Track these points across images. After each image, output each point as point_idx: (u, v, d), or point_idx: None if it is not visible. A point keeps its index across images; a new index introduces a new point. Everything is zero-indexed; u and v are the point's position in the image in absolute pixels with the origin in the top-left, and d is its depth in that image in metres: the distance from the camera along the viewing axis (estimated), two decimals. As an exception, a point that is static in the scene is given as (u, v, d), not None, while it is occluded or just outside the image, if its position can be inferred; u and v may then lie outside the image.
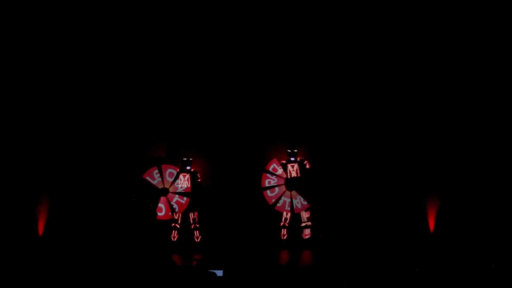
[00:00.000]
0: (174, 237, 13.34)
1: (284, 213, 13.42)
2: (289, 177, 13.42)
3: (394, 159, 13.42)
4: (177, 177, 13.33)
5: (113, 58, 13.41)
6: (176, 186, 13.31)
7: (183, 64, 13.63)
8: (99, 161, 13.34)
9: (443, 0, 13.23)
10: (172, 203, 13.26)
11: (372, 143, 13.52)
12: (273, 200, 13.40)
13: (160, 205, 13.27)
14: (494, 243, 12.35)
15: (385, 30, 13.45)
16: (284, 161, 13.50)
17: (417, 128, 13.41)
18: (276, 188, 13.42)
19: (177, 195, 13.29)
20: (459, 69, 13.35)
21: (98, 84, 13.43)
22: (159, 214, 13.23)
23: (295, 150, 13.43)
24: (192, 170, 13.38)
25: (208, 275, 8.73)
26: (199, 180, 13.41)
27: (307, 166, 13.48)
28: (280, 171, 13.42)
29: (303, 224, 13.43)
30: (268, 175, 13.42)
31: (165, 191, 13.29)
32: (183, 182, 13.29)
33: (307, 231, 13.43)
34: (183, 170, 13.32)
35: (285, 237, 13.41)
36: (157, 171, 13.30)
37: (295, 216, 13.44)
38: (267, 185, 13.41)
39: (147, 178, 13.27)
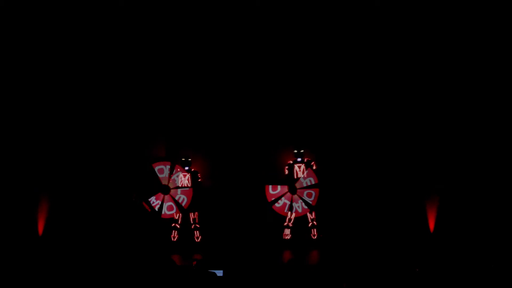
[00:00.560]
0: (174, 237, 13.33)
1: (288, 214, 13.40)
2: (295, 177, 13.40)
3: (395, 159, 13.41)
4: (177, 175, 13.34)
5: (115, 58, 13.40)
6: (177, 185, 13.30)
7: (186, 66, 13.62)
8: (99, 161, 13.32)
9: (443, 0, 13.23)
10: (176, 199, 13.25)
11: (372, 144, 13.51)
12: (273, 199, 13.37)
13: (168, 203, 13.24)
14: (494, 243, 12.35)
15: (385, 30, 13.44)
16: (291, 162, 13.48)
17: (417, 129, 13.41)
18: (279, 187, 13.41)
19: (179, 192, 13.28)
20: (459, 69, 13.34)
21: (98, 84, 13.42)
22: (166, 212, 13.20)
23: (302, 151, 13.41)
24: (192, 170, 13.38)
25: (208, 275, 8.73)
26: (199, 180, 13.40)
27: (314, 167, 13.45)
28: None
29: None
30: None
31: (167, 189, 13.28)
32: (184, 182, 13.30)
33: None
34: (183, 170, 13.32)
35: (287, 237, 13.39)
36: (168, 167, 13.28)
37: (299, 217, 13.44)
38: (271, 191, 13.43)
39: (156, 169, 13.27)
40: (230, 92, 13.64)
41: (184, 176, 13.32)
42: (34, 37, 13.17)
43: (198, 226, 13.37)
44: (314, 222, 13.42)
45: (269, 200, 13.39)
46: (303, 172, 13.38)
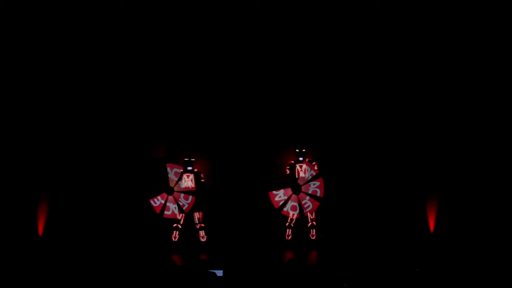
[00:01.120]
0: (175, 237, 13.33)
1: (291, 214, 13.40)
2: (297, 177, 13.40)
3: (395, 159, 13.42)
4: (180, 177, 13.32)
5: (116, 58, 13.41)
6: (181, 186, 13.30)
7: (187, 66, 13.62)
8: (99, 161, 13.33)
9: (443, 0, 13.24)
10: (179, 202, 13.26)
11: (372, 144, 13.51)
12: (280, 204, 13.35)
13: (168, 204, 13.24)
14: (494, 243, 12.35)
15: (385, 30, 13.45)
16: (292, 161, 13.49)
17: (417, 129, 13.41)
18: (282, 191, 13.38)
19: (182, 195, 13.29)
20: (459, 69, 13.35)
21: (99, 84, 13.42)
22: (166, 213, 13.22)
23: (303, 150, 13.41)
24: (195, 170, 13.39)
25: (208, 275, 8.73)
26: (202, 180, 13.40)
27: (316, 167, 13.44)
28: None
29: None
30: (274, 191, 13.36)
31: (171, 190, 13.29)
32: (187, 182, 13.30)
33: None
34: (186, 170, 13.33)
35: (289, 238, 13.39)
36: (178, 170, 13.32)
37: (302, 218, 13.43)
38: (280, 203, 13.38)
39: (168, 169, 13.29)
40: (232, 93, 13.65)
41: (188, 176, 13.32)
42: (34, 37, 13.17)
43: (203, 226, 13.36)
44: (314, 223, 13.42)
45: (277, 207, 13.35)
46: (305, 172, 13.37)
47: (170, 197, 13.28)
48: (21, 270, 11.23)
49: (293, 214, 13.36)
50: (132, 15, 13.36)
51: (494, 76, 13.27)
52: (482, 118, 13.29)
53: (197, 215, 13.37)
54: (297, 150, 13.41)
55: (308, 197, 13.36)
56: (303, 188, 13.37)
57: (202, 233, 13.37)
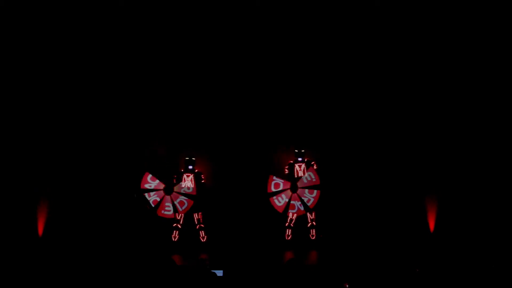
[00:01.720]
0: (175, 237, 13.32)
1: (290, 214, 13.41)
2: (296, 176, 13.40)
3: (395, 159, 13.40)
4: (180, 178, 13.35)
5: (116, 59, 13.41)
6: (182, 186, 13.30)
7: (189, 66, 13.62)
8: (99, 162, 13.32)
9: (443, 0, 13.24)
10: (175, 203, 13.25)
11: (372, 145, 13.51)
12: (273, 190, 13.32)
13: (167, 204, 13.27)
14: (494, 243, 12.35)
15: (385, 30, 13.44)
16: (291, 161, 13.49)
17: (417, 129, 13.40)
18: (283, 195, 13.38)
19: (181, 195, 13.29)
20: (458, 69, 13.34)
21: (100, 84, 13.42)
22: (165, 213, 13.23)
23: (302, 150, 13.42)
24: (196, 171, 13.39)
25: (208, 275, 8.73)
26: (202, 181, 13.40)
27: (315, 167, 13.43)
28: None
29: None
30: (274, 177, 13.37)
31: (169, 190, 13.29)
32: (187, 182, 13.30)
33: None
34: (187, 170, 13.33)
35: (289, 238, 13.39)
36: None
37: (302, 217, 13.45)
38: (273, 189, 13.36)
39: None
40: (233, 93, 13.64)
41: (188, 176, 13.32)
42: (34, 37, 13.16)
43: (203, 226, 13.36)
44: (314, 223, 13.42)
45: (269, 191, 13.35)
46: (304, 172, 13.37)
47: (167, 197, 13.28)
48: (21, 270, 11.22)
49: (293, 214, 13.35)
50: (132, 15, 13.34)
51: (493, 76, 13.26)
52: (481, 119, 13.27)
53: (196, 216, 13.37)
54: (296, 151, 13.42)
55: (306, 190, 13.34)
56: (298, 183, 13.38)
57: (202, 233, 13.37)
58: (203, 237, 13.34)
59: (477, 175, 13.13)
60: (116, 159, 13.36)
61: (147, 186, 13.26)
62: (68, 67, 13.31)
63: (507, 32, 13.15)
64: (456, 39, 13.32)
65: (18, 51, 13.13)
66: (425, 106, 13.41)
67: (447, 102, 13.37)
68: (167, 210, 13.28)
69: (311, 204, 13.31)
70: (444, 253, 12.29)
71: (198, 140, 13.60)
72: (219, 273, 9.56)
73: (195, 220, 13.36)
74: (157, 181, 13.27)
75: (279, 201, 13.34)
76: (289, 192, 13.36)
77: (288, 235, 13.38)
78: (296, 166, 13.45)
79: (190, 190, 13.29)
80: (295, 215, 13.38)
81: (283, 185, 13.36)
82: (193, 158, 13.36)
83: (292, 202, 13.36)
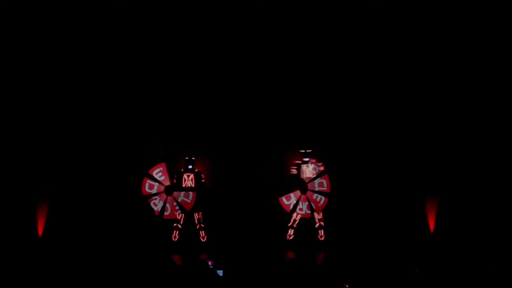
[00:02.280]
0: (175, 237, 13.32)
1: (294, 215, 13.39)
2: (303, 177, 13.38)
3: (395, 159, 13.42)
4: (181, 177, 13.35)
5: (116, 59, 13.41)
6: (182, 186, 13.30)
7: (190, 66, 13.63)
8: (99, 162, 13.32)
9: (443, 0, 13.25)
10: (178, 201, 13.25)
11: (372, 145, 13.52)
12: (291, 207, 13.35)
13: (167, 204, 13.26)
14: (494, 243, 12.36)
15: (385, 30, 13.45)
16: (299, 162, 13.47)
17: (417, 129, 13.41)
18: (292, 195, 13.37)
19: (182, 195, 13.28)
20: (458, 69, 13.35)
21: (100, 84, 13.43)
22: (165, 213, 13.23)
23: (309, 151, 13.40)
24: (196, 170, 13.39)
25: (208, 275, 8.72)
26: (203, 180, 13.40)
27: (321, 168, 13.41)
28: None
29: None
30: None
31: (170, 190, 13.28)
32: (187, 182, 13.31)
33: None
34: (187, 170, 13.33)
35: (290, 238, 13.38)
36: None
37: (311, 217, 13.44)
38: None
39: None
40: (234, 93, 13.65)
41: (188, 176, 13.32)
42: (34, 37, 13.17)
43: (203, 226, 13.36)
44: (322, 223, 13.39)
45: (288, 211, 13.34)
46: (313, 170, 13.35)
47: (170, 198, 13.28)
48: (21, 270, 11.21)
49: (297, 215, 13.35)
50: (132, 15, 13.35)
51: (493, 77, 13.28)
52: (481, 120, 13.29)
53: (196, 216, 13.36)
54: (303, 151, 13.39)
55: (315, 194, 13.35)
56: (309, 186, 13.36)
57: (202, 233, 13.37)
58: (203, 237, 13.35)
59: (477, 175, 13.16)
60: (116, 159, 13.37)
61: (148, 190, 13.26)
62: (68, 67, 13.32)
63: (507, 32, 13.17)
64: (456, 39, 13.34)
65: (18, 51, 13.14)
66: (425, 106, 13.43)
67: (447, 103, 13.39)
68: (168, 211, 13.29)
69: (321, 206, 13.31)
70: (444, 253, 12.30)
71: (198, 140, 13.61)
72: (220, 273, 9.55)
73: (195, 220, 13.37)
74: (157, 183, 13.28)
75: (287, 201, 13.35)
76: (298, 193, 13.36)
77: (290, 235, 13.38)
78: (303, 166, 13.41)
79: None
80: (299, 215, 13.38)
81: (295, 197, 13.37)
82: (193, 158, 13.37)
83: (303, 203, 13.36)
